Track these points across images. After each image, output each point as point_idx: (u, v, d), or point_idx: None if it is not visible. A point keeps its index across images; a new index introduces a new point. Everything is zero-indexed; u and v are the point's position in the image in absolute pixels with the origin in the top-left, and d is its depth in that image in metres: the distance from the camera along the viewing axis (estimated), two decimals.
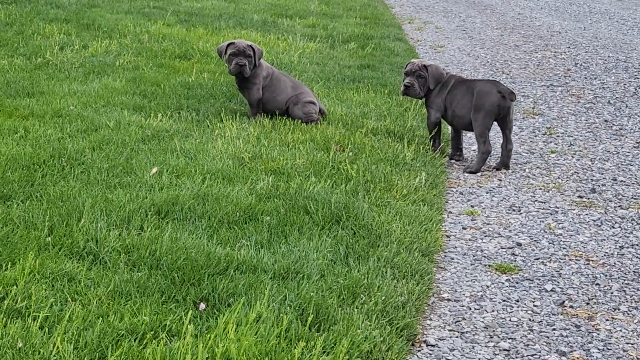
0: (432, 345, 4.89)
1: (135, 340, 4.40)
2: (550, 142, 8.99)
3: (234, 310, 4.67)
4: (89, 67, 10.09)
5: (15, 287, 4.74)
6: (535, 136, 9.19)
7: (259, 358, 4.32)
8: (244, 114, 8.62)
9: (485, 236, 6.49)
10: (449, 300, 5.44)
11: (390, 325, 4.83)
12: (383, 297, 5.04)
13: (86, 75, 9.70)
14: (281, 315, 4.69)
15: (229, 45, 8.60)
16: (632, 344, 5.01)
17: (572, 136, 9.21)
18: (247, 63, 8.46)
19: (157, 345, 4.31)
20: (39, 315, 4.49)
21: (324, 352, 4.49)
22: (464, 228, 6.64)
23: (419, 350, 4.83)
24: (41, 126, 7.56)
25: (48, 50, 10.65)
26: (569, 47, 14.43)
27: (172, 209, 6.02)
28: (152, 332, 4.45)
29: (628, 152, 8.68)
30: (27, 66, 9.88)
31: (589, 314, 5.31)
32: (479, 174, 7.87)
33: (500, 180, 7.76)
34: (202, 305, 4.80)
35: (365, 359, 4.54)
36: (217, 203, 6.16)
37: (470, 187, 7.54)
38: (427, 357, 4.77)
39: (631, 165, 8.27)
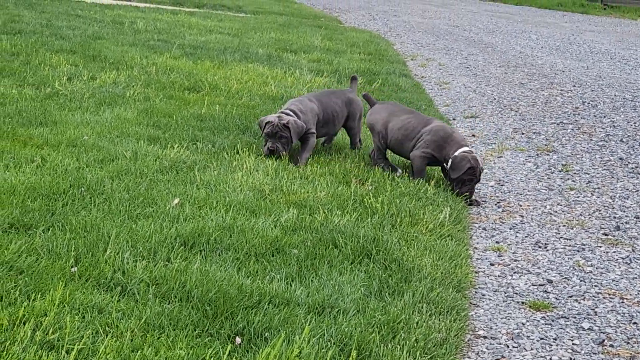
0: None
1: None
2: (568, 179, 8.89)
3: (273, 345, 4.52)
4: (99, 97, 9.97)
5: (45, 317, 4.59)
6: (552, 173, 9.09)
7: None
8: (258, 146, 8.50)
9: (515, 272, 6.36)
10: (485, 337, 5.30)
11: None
12: (423, 334, 4.90)
13: (98, 105, 9.57)
14: (322, 350, 4.55)
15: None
16: None
17: (588, 173, 9.12)
18: None
19: None
20: (73, 348, 4.33)
21: None
22: (491, 264, 6.51)
23: None
24: (57, 155, 7.42)
25: (57, 81, 10.53)
26: (574, 86, 14.39)
27: (198, 240, 5.88)
28: None
29: None
30: (37, 96, 9.75)
31: (630, 354, 5.18)
32: (501, 210, 7.78)
33: (522, 216, 7.65)
34: (238, 340, 4.66)
35: None
36: (243, 235, 6.02)
37: (492, 223, 7.43)
38: None
39: None
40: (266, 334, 4.72)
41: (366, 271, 5.71)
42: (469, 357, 5.04)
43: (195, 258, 5.62)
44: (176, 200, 6.61)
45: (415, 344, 4.80)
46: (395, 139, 8.21)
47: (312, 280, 5.47)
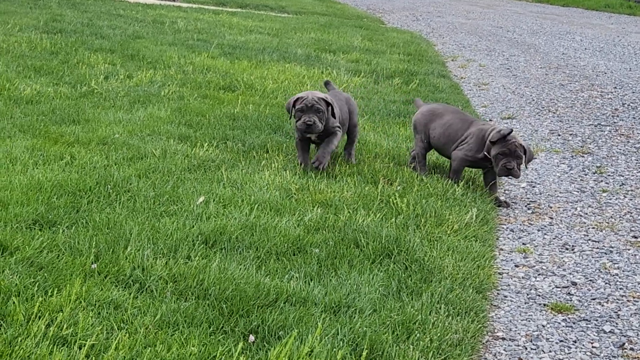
0: None
1: None
2: (601, 181, 8.79)
3: (284, 343, 4.52)
4: (134, 96, 10.04)
5: (61, 313, 4.63)
6: (586, 175, 9.00)
7: None
8: (290, 146, 8.51)
9: (539, 274, 6.31)
10: (503, 339, 5.26)
11: None
12: (438, 334, 4.87)
13: (131, 104, 9.64)
14: (334, 349, 4.54)
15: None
16: None
17: (622, 176, 9.01)
18: None
19: None
20: (85, 344, 4.36)
21: None
22: (516, 266, 6.46)
23: None
24: (87, 153, 7.49)
25: (93, 79, 10.63)
26: (615, 87, 14.23)
27: (220, 238, 5.90)
28: None
29: None
30: (73, 94, 9.85)
31: None
32: (530, 211, 7.71)
33: (552, 218, 7.58)
34: (252, 337, 4.66)
35: None
36: (265, 234, 6.03)
37: (521, 225, 7.37)
38: None
39: None
40: (280, 333, 4.72)
41: (386, 271, 5.69)
42: (485, 359, 5.00)
43: (216, 256, 5.63)
44: (201, 199, 6.63)
45: (430, 345, 4.77)
46: (437, 139, 8.17)
47: (330, 280, 5.46)
